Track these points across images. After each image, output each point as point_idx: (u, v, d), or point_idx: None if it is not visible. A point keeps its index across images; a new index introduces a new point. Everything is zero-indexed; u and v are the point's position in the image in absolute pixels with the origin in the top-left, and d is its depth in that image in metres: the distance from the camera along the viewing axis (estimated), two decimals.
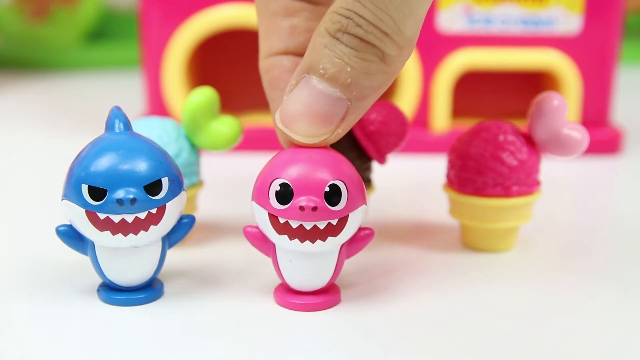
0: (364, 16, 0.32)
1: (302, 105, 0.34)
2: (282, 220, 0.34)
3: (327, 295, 0.37)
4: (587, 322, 0.35)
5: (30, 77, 0.87)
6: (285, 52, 0.37)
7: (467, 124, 0.61)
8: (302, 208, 0.34)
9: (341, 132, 0.35)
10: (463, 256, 0.43)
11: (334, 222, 0.34)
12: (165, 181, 0.35)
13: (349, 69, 0.33)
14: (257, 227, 0.36)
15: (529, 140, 0.41)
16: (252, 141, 0.60)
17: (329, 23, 0.33)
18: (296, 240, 0.35)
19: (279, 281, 0.38)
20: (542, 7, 0.59)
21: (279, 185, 0.34)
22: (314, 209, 0.34)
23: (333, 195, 0.34)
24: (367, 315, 0.36)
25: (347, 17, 0.32)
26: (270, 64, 0.37)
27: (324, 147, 0.35)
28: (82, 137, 0.51)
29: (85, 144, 0.36)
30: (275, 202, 0.34)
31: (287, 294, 0.37)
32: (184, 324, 0.35)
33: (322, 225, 0.34)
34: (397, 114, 0.42)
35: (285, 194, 0.34)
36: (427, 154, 0.61)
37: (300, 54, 0.37)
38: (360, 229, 0.36)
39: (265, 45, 0.38)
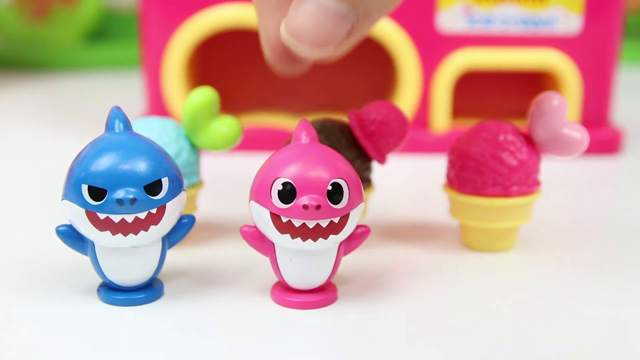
0: None
1: (308, 19, 0.33)
2: (284, 219, 0.34)
3: (324, 293, 0.37)
4: (587, 322, 0.35)
5: (30, 77, 0.87)
6: None
7: (467, 124, 0.62)
8: (305, 207, 0.34)
9: (345, 48, 0.34)
10: (463, 256, 0.43)
11: (336, 220, 0.35)
12: (165, 181, 0.35)
13: None
14: (254, 227, 0.36)
15: (529, 140, 0.41)
16: (252, 141, 0.60)
17: None
18: (298, 238, 0.35)
19: (277, 280, 0.38)
20: (542, 7, 0.59)
21: (282, 184, 0.34)
22: (318, 207, 0.34)
23: (335, 194, 0.34)
24: (364, 313, 0.36)
25: None
26: None
27: (322, 146, 0.36)
28: (82, 137, 0.51)
29: (85, 144, 0.36)
30: (278, 201, 0.34)
31: (285, 293, 0.37)
32: (184, 324, 0.35)
33: (324, 223, 0.34)
34: (397, 114, 0.42)
35: (288, 193, 0.34)
36: (427, 154, 0.61)
37: None
38: (356, 227, 0.36)
39: None
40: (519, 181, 0.41)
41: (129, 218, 0.34)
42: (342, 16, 0.33)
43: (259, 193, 0.35)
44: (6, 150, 0.63)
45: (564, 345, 0.34)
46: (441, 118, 0.61)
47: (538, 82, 0.65)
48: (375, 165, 0.44)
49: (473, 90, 0.64)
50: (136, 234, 0.35)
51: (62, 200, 0.35)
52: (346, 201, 0.35)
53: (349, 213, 0.35)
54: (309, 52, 0.34)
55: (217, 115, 0.42)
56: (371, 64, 0.66)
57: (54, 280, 0.39)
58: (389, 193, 0.51)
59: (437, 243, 0.44)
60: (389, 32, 0.59)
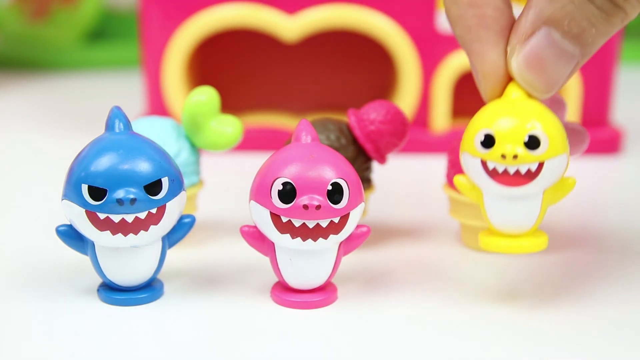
0: None
1: (541, 57, 0.33)
2: (284, 219, 0.34)
3: (324, 293, 0.37)
4: (588, 322, 0.35)
5: (30, 77, 0.87)
6: None
7: (467, 124, 0.61)
8: (305, 207, 0.34)
9: (559, 88, 0.34)
10: (463, 256, 0.43)
11: (336, 220, 0.35)
12: (165, 181, 0.35)
13: (594, 31, 0.32)
14: (254, 227, 0.36)
15: None
16: (252, 141, 0.60)
17: None
18: (298, 238, 0.35)
19: (277, 280, 0.38)
20: None
21: (282, 184, 0.34)
22: (318, 207, 0.34)
23: (335, 194, 0.34)
24: (364, 313, 0.36)
25: None
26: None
27: (322, 145, 0.36)
28: (82, 137, 0.51)
29: (85, 144, 0.36)
30: (278, 201, 0.34)
31: (285, 293, 0.37)
32: (184, 324, 0.35)
33: (324, 223, 0.34)
34: (397, 114, 0.42)
35: (288, 193, 0.34)
36: (427, 154, 0.61)
37: None
38: (356, 227, 0.36)
39: None
40: None
41: (129, 218, 0.34)
42: (571, 56, 0.33)
43: (259, 193, 0.35)
44: (6, 150, 0.63)
45: (564, 345, 0.34)
46: (441, 118, 0.61)
47: None
48: (375, 165, 0.44)
49: (473, 90, 0.64)
50: (136, 234, 0.35)
51: (62, 200, 0.35)
52: (346, 201, 0.35)
53: (349, 213, 0.35)
54: (540, 93, 0.34)
55: (217, 115, 0.42)
56: (371, 64, 0.66)
57: (54, 280, 0.39)
58: (389, 193, 0.51)
59: (437, 243, 0.44)
60: (389, 32, 0.59)
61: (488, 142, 0.33)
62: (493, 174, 0.33)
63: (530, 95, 0.34)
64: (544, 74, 0.33)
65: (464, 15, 0.34)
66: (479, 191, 0.35)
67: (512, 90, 0.34)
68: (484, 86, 0.35)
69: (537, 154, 0.33)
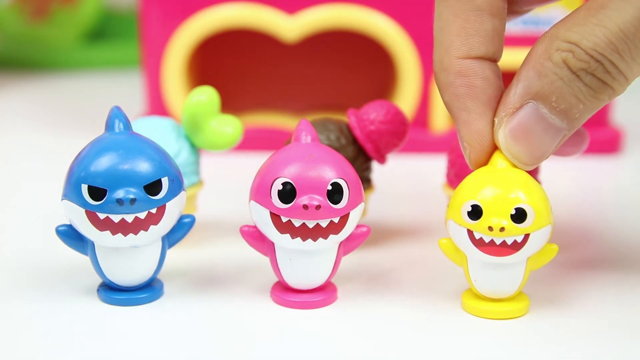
0: (618, 66, 0.32)
1: (528, 130, 0.33)
2: (284, 219, 0.34)
3: (324, 293, 0.37)
4: (587, 322, 0.35)
5: (30, 77, 0.87)
6: (485, 57, 0.35)
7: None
8: (305, 207, 0.34)
9: (544, 161, 0.35)
10: None
11: (336, 220, 0.35)
12: (165, 181, 0.35)
13: (581, 106, 0.33)
14: (254, 227, 0.36)
15: None
16: (252, 141, 0.60)
17: (570, 57, 0.32)
18: (298, 238, 0.35)
19: (277, 280, 0.38)
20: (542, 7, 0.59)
21: (281, 184, 0.34)
22: (318, 207, 0.34)
23: (335, 194, 0.34)
24: (364, 313, 0.36)
25: (598, 61, 0.32)
26: (469, 69, 0.35)
27: (322, 145, 0.36)
28: (82, 137, 0.51)
29: (85, 144, 0.36)
30: (278, 201, 0.34)
31: (285, 293, 0.37)
32: (184, 324, 0.35)
33: (324, 223, 0.34)
34: (397, 114, 0.42)
35: (288, 193, 0.34)
36: (427, 154, 0.61)
37: (493, 60, 0.35)
38: (356, 227, 0.36)
39: (462, 44, 0.35)
40: None
41: (129, 218, 0.34)
42: (558, 130, 0.33)
43: (259, 193, 0.35)
44: (6, 150, 0.63)
45: (564, 345, 0.34)
46: (441, 118, 0.61)
47: None
48: (375, 165, 0.44)
49: None
50: (136, 234, 0.35)
51: (62, 200, 0.35)
52: (346, 201, 0.35)
53: (349, 213, 0.35)
54: (524, 166, 0.34)
55: (218, 115, 0.42)
56: (371, 64, 0.66)
57: (54, 280, 0.39)
58: (389, 193, 0.51)
59: (437, 243, 0.44)
60: (389, 32, 0.59)
61: (475, 213, 0.34)
62: (479, 243, 0.34)
63: (515, 166, 0.35)
64: (530, 146, 0.34)
65: (453, 84, 0.35)
66: (463, 255, 0.36)
67: (498, 160, 0.35)
68: (469, 154, 0.35)
69: (524, 226, 0.34)
